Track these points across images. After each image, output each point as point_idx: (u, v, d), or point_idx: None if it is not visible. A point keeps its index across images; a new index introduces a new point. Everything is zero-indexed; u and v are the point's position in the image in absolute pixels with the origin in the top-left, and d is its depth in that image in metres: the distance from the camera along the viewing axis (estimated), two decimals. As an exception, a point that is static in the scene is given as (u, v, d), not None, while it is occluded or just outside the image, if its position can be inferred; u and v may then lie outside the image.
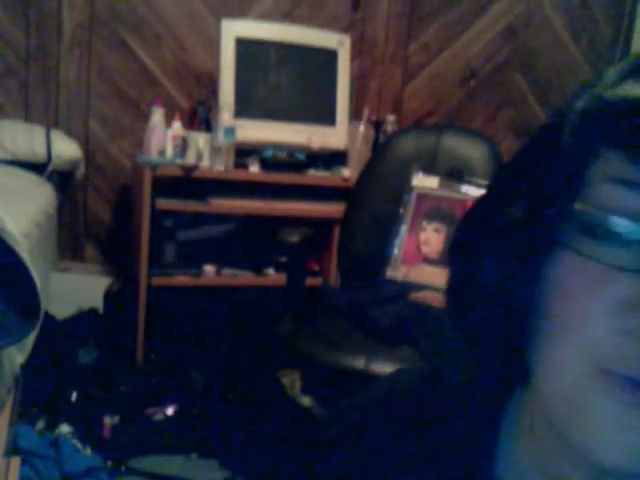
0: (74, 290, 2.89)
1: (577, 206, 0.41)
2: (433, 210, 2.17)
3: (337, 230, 2.49)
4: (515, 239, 0.43)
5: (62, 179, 2.80)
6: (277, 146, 2.74)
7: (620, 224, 0.39)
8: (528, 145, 0.48)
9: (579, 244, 0.40)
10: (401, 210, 2.19)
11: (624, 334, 0.37)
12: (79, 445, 2.00)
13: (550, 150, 0.45)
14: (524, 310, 0.43)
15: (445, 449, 0.51)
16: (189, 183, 2.63)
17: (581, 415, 0.39)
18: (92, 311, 2.91)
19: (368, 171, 2.30)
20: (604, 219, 0.39)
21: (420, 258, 2.15)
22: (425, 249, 2.16)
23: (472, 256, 0.46)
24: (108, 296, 2.89)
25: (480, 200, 0.50)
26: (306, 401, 2.27)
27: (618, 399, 0.37)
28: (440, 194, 2.17)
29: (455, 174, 2.17)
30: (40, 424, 2.11)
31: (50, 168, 2.64)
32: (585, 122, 0.43)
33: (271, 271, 2.82)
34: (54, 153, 2.65)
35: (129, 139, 3.03)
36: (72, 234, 3.07)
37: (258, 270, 2.82)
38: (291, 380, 2.37)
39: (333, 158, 2.86)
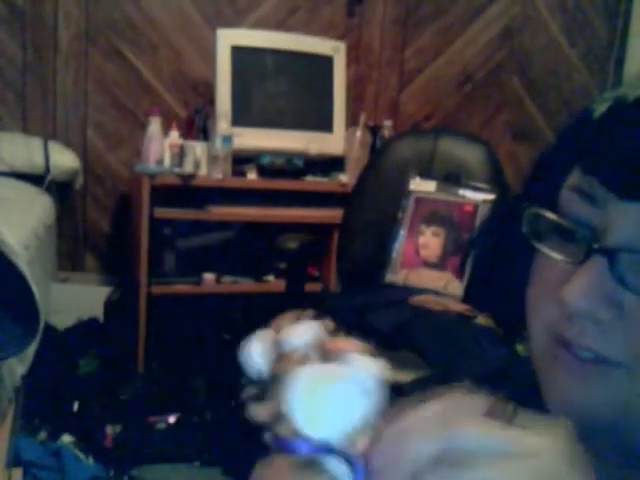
0: (74, 300, 2.89)
1: (541, 211, 0.49)
2: (431, 214, 2.17)
3: (336, 235, 2.49)
4: (514, 241, 0.52)
5: (61, 190, 2.80)
6: (275, 153, 2.74)
7: (567, 225, 0.47)
8: (535, 162, 0.57)
9: (545, 244, 0.48)
10: (399, 214, 2.19)
11: (560, 307, 0.45)
12: (81, 455, 2.00)
13: (544, 166, 0.55)
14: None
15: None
16: (187, 191, 2.64)
17: (543, 375, 0.48)
18: (92, 321, 2.91)
19: (366, 176, 2.31)
20: (556, 221, 0.48)
21: (419, 262, 2.16)
22: (424, 253, 2.16)
23: (486, 259, 0.61)
24: (108, 306, 2.89)
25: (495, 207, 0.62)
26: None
27: (565, 368, 0.46)
28: (438, 198, 2.17)
29: (452, 178, 2.17)
30: (42, 435, 2.11)
31: (48, 179, 2.64)
32: (567, 138, 0.53)
33: (271, 278, 2.82)
34: (52, 164, 2.65)
35: (127, 149, 3.03)
36: (71, 244, 3.07)
37: (258, 277, 2.82)
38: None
39: (331, 164, 2.87)
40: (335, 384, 0.34)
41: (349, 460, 0.34)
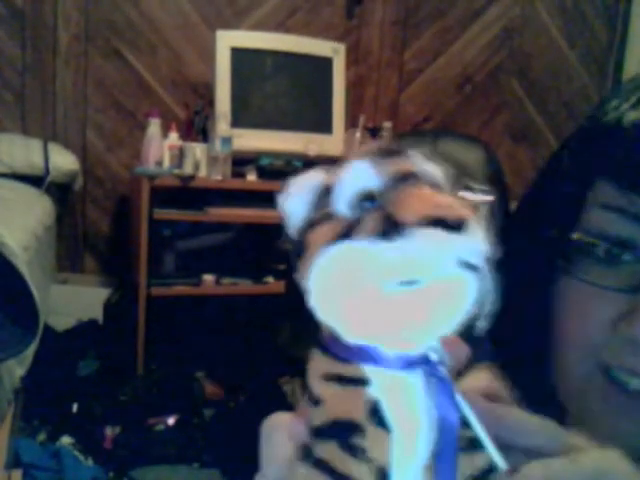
0: (74, 302, 2.89)
1: (573, 234, 0.44)
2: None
3: (335, 237, 2.48)
4: (524, 265, 0.47)
5: (60, 191, 2.80)
6: (274, 154, 2.74)
7: (607, 249, 0.43)
8: (538, 174, 0.53)
9: (575, 268, 0.44)
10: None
11: (619, 341, 0.42)
12: (81, 456, 2.00)
13: (552, 178, 0.50)
14: (541, 327, 0.47)
15: None
16: (187, 193, 2.64)
17: (584, 412, 0.44)
18: (92, 322, 2.91)
19: (365, 178, 2.31)
20: (593, 245, 0.43)
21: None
22: (423, 255, 2.16)
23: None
24: (108, 307, 2.89)
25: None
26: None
27: (612, 402, 0.42)
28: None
29: (452, 179, 2.17)
30: (41, 436, 2.11)
31: (48, 181, 2.64)
32: (582, 148, 0.48)
33: (270, 279, 2.82)
34: (52, 166, 2.65)
35: (126, 150, 3.03)
36: (71, 246, 3.07)
37: (257, 278, 2.82)
38: (292, 388, 2.37)
39: (330, 165, 2.86)
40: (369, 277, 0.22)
41: (417, 371, 0.24)
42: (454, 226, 0.22)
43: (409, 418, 0.24)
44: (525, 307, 0.43)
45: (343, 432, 0.23)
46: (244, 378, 2.72)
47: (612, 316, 0.42)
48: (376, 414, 0.23)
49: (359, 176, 0.25)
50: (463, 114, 3.43)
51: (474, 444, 0.24)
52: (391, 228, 0.22)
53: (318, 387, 0.25)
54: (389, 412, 0.23)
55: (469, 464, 0.24)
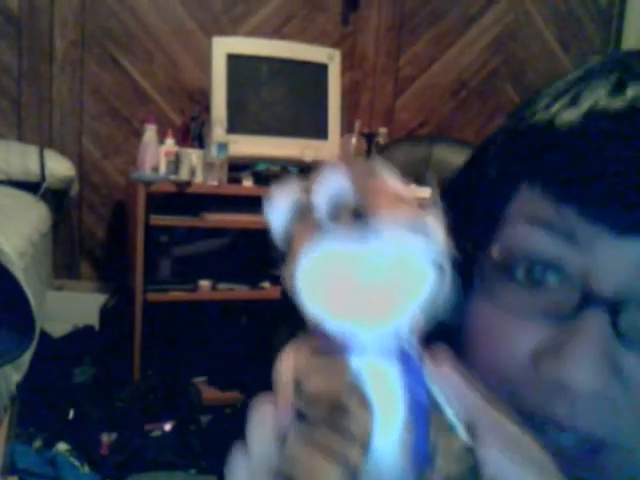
0: (70, 308, 2.89)
1: (490, 250, 0.39)
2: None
3: (331, 242, 2.49)
4: None
5: (56, 198, 2.80)
6: (270, 160, 2.75)
7: (529, 269, 0.37)
8: (456, 176, 0.46)
9: (492, 289, 0.38)
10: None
11: (542, 383, 0.36)
12: (77, 463, 1.99)
13: (474, 184, 0.43)
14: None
15: None
16: (183, 199, 2.64)
17: None
18: (88, 328, 2.90)
19: (361, 183, 2.31)
20: (513, 264, 0.38)
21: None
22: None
23: None
24: (104, 313, 2.89)
25: None
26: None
27: None
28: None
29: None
30: (37, 443, 2.11)
31: (44, 187, 2.64)
32: (506, 152, 0.41)
33: (267, 284, 2.82)
34: (48, 172, 2.65)
35: (122, 156, 3.04)
36: (67, 252, 3.07)
37: (253, 284, 2.82)
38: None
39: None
40: (354, 267, 0.26)
41: (393, 355, 0.27)
42: (421, 228, 0.26)
43: (388, 398, 0.27)
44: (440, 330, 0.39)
45: (331, 414, 0.26)
46: (241, 384, 2.72)
47: (532, 349, 0.36)
48: (357, 394, 0.27)
49: (333, 181, 0.28)
50: (458, 120, 3.45)
51: (437, 409, 0.28)
52: (364, 228, 0.26)
53: (305, 368, 0.28)
54: (371, 394, 0.27)
55: (434, 426, 0.27)
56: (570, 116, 0.37)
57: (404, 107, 3.39)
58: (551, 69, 3.51)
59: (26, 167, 2.64)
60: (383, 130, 3.04)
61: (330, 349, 0.28)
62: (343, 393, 0.26)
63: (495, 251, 0.38)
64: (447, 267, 0.27)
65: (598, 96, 0.37)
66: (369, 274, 0.26)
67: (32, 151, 2.69)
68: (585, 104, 0.37)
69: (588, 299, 0.34)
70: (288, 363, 0.30)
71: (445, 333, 0.31)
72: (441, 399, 0.28)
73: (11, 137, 2.90)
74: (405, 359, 0.27)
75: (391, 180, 0.29)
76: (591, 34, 3.57)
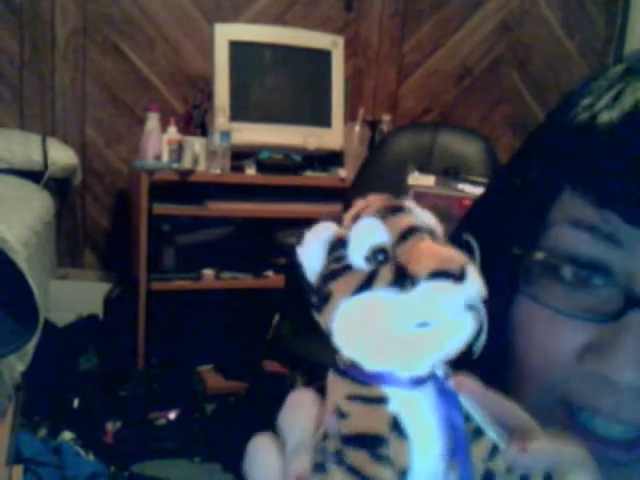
0: (74, 297, 2.89)
1: (536, 253, 0.39)
2: (430, 208, 2.16)
3: (335, 230, 2.48)
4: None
5: (59, 186, 2.80)
6: (273, 148, 2.74)
7: (575, 271, 0.38)
8: (499, 175, 0.47)
9: (538, 291, 0.39)
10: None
11: (584, 376, 0.38)
12: (82, 451, 2.00)
13: (513, 186, 0.44)
14: (499, 353, 0.43)
15: None
16: (186, 187, 2.64)
17: None
18: (92, 317, 2.91)
19: (365, 171, 2.30)
20: (559, 266, 0.39)
21: (418, 257, 2.15)
22: (423, 248, 2.15)
23: None
24: (108, 302, 2.89)
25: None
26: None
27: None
28: (437, 192, 2.17)
29: (451, 172, 2.17)
30: (42, 431, 2.11)
31: (47, 176, 2.64)
32: (551, 151, 0.41)
33: (270, 273, 2.82)
34: (50, 161, 2.65)
35: (125, 145, 3.03)
36: (70, 241, 3.07)
37: (257, 272, 2.82)
38: (293, 382, 2.37)
39: (329, 159, 2.86)
40: (389, 321, 0.27)
41: (427, 388, 0.29)
42: (457, 276, 0.27)
43: (424, 427, 0.28)
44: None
45: (370, 444, 0.28)
46: (244, 372, 2.72)
47: (577, 347, 0.38)
48: (396, 426, 0.28)
49: (370, 232, 0.29)
50: (462, 106, 3.43)
51: (479, 432, 0.29)
52: (405, 280, 0.27)
53: (344, 405, 0.29)
54: (407, 424, 0.28)
55: (478, 450, 0.29)
56: (611, 116, 0.37)
57: (408, 94, 3.37)
58: (556, 55, 3.49)
59: (29, 156, 2.63)
60: (387, 117, 3.02)
61: (366, 381, 0.29)
62: (382, 426, 0.28)
63: (541, 253, 0.39)
64: (482, 310, 0.28)
65: (639, 95, 0.37)
66: (405, 322, 0.27)
67: (35, 140, 2.68)
68: (626, 104, 0.37)
69: (632, 300, 0.35)
70: (329, 381, 0.31)
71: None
72: (481, 421, 0.29)
73: (13, 126, 2.90)
74: (439, 388, 0.29)
75: (424, 217, 0.30)
76: (596, 20, 3.54)
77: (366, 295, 0.28)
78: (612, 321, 0.36)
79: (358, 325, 0.28)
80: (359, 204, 0.30)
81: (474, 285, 0.27)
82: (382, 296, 0.27)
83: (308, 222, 0.32)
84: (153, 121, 2.63)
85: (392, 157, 2.26)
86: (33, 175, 2.61)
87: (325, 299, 0.29)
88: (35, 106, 2.94)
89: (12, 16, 2.84)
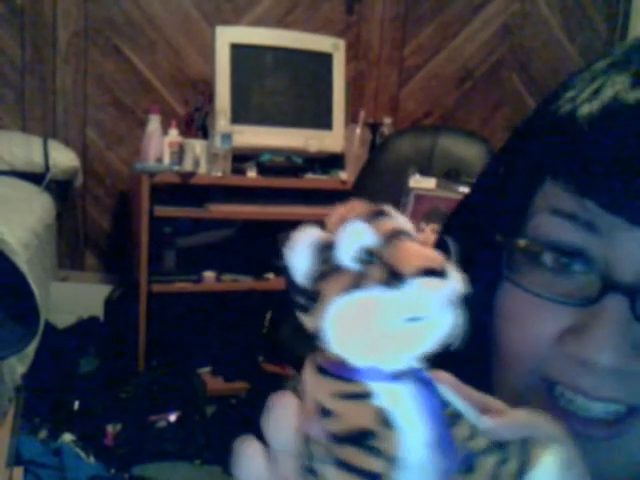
0: (74, 299, 2.89)
1: (518, 240, 0.41)
2: (431, 211, 2.17)
3: (336, 233, 2.48)
4: (467, 268, 0.42)
5: (60, 188, 2.80)
6: (274, 151, 2.74)
7: (555, 257, 0.40)
8: (486, 168, 0.49)
9: (520, 277, 0.41)
10: (399, 211, 2.18)
11: (565, 358, 0.39)
12: (82, 454, 2.00)
13: (497, 178, 0.46)
14: (483, 339, 0.44)
15: None
16: (187, 190, 2.64)
17: None
18: (93, 319, 2.91)
19: (365, 173, 2.30)
20: (541, 253, 0.40)
21: (419, 259, 2.15)
22: (424, 250, 2.15)
23: None
24: (108, 304, 2.89)
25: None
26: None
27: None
28: (437, 195, 2.17)
29: (452, 175, 2.17)
30: (42, 433, 2.11)
31: (48, 178, 2.64)
32: (531, 145, 0.43)
33: (271, 275, 2.82)
34: (52, 163, 2.65)
35: (126, 147, 3.03)
36: (71, 243, 3.07)
37: (258, 275, 2.82)
38: (294, 384, 2.37)
39: (330, 161, 2.86)
40: (382, 318, 0.29)
41: (410, 381, 0.30)
42: (441, 273, 0.29)
43: (409, 417, 0.30)
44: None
45: (360, 438, 0.29)
46: (245, 374, 2.72)
47: (558, 330, 0.39)
48: (383, 419, 0.29)
49: (358, 234, 0.30)
50: (463, 110, 3.43)
51: (457, 416, 0.31)
52: (394, 278, 0.29)
53: (329, 403, 0.30)
54: (393, 415, 0.29)
55: (459, 432, 0.31)
56: (590, 109, 0.38)
57: (409, 97, 3.37)
58: (557, 58, 3.49)
59: (30, 158, 2.63)
60: (388, 120, 3.02)
61: (350, 377, 0.30)
62: (370, 420, 0.29)
63: (523, 241, 0.41)
64: (462, 307, 0.30)
65: (618, 88, 0.38)
66: (396, 317, 0.29)
67: (36, 142, 2.68)
68: (605, 96, 0.38)
69: (609, 285, 0.37)
70: (307, 380, 0.32)
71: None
72: (459, 405, 0.31)
73: (15, 128, 2.90)
74: (417, 378, 0.30)
75: (402, 221, 0.32)
76: (597, 24, 3.55)
77: (357, 293, 0.29)
78: (590, 305, 0.38)
79: (350, 322, 0.29)
80: (340, 210, 0.32)
81: (456, 282, 0.29)
82: (373, 294, 0.29)
83: (309, 225, 0.33)
84: (154, 123, 2.63)
85: (393, 160, 2.26)
86: (34, 177, 2.61)
87: (315, 298, 0.30)
88: (36, 108, 2.94)
89: (13, 18, 2.85)
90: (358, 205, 0.31)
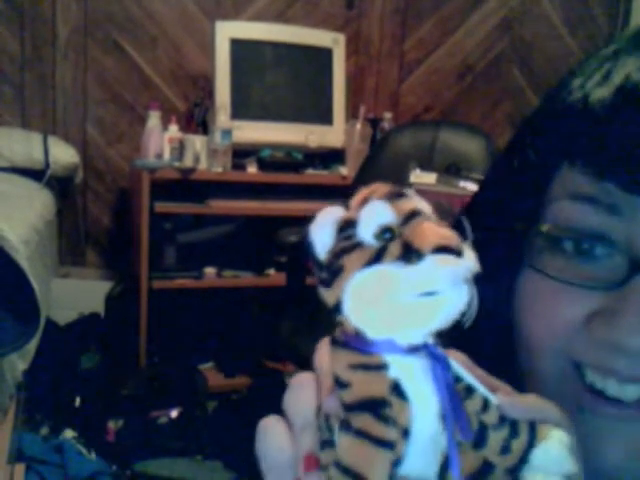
0: (75, 295, 2.89)
1: (539, 227, 0.41)
2: (432, 206, 2.16)
3: (336, 228, 2.48)
4: (486, 259, 0.42)
5: (61, 185, 2.80)
6: (274, 146, 2.73)
7: (578, 242, 0.40)
8: (497, 161, 0.49)
9: (542, 263, 0.41)
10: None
11: (593, 342, 0.39)
12: (83, 450, 2.00)
13: (513, 166, 0.46)
14: (507, 326, 0.44)
15: None
16: (187, 185, 2.63)
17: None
18: (94, 316, 2.91)
19: (366, 169, 2.30)
20: (562, 238, 0.40)
21: (420, 255, 2.14)
22: (425, 245, 2.15)
23: None
24: (109, 300, 2.89)
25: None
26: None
27: (589, 412, 0.39)
28: (438, 190, 2.16)
29: (453, 170, 2.17)
30: (44, 430, 2.12)
31: (48, 174, 2.64)
32: (546, 132, 0.43)
33: (272, 271, 2.82)
34: (52, 159, 2.65)
35: (126, 143, 3.03)
36: (72, 239, 3.07)
37: (259, 271, 2.82)
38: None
39: (331, 157, 2.86)
40: (400, 293, 0.30)
41: (424, 355, 0.32)
42: (456, 251, 0.30)
43: (421, 390, 0.31)
44: (486, 305, 0.38)
45: (374, 407, 0.30)
46: (246, 370, 2.72)
47: (584, 315, 0.39)
48: (396, 390, 0.31)
49: (379, 213, 0.32)
50: (464, 104, 3.42)
51: (470, 390, 0.33)
52: (411, 254, 0.30)
53: (345, 374, 0.31)
54: (406, 387, 0.31)
55: (471, 405, 0.33)
56: (603, 93, 0.38)
57: (409, 91, 3.36)
58: (558, 52, 3.48)
59: (30, 154, 2.63)
60: (388, 115, 3.02)
61: (367, 350, 0.32)
62: (383, 390, 0.31)
63: (543, 227, 0.41)
64: (474, 282, 0.31)
65: (629, 71, 0.38)
66: (413, 291, 0.30)
67: (36, 138, 2.68)
68: (616, 80, 0.39)
69: (635, 265, 0.37)
70: (323, 355, 0.33)
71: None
72: (470, 380, 0.33)
73: (15, 124, 2.90)
74: (431, 353, 0.32)
75: (422, 204, 0.33)
76: (598, 17, 3.53)
77: (377, 268, 0.31)
78: (617, 288, 0.37)
79: (370, 295, 0.31)
80: (364, 191, 0.33)
81: (470, 260, 0.31)
82: (392, 268, 0.31)
83: (310, 220, 0.34)
84: (154, 119, 2.63)
85: (393, 155, 2.26)
86: (34, 173, 2.61)
87: (337, 273, 0.32)
88: (36, 104, 2.94)
89: (13, 14, 2.84)
90: (380, 186, 0.33)
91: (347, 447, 0.30)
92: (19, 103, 2.92)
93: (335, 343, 0.33)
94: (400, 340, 0.31)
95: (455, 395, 0.32)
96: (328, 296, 0.33)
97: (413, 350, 0.32)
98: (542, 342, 0.42)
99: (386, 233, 0.31)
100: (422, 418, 0.31)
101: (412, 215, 0.32)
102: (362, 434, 0.30)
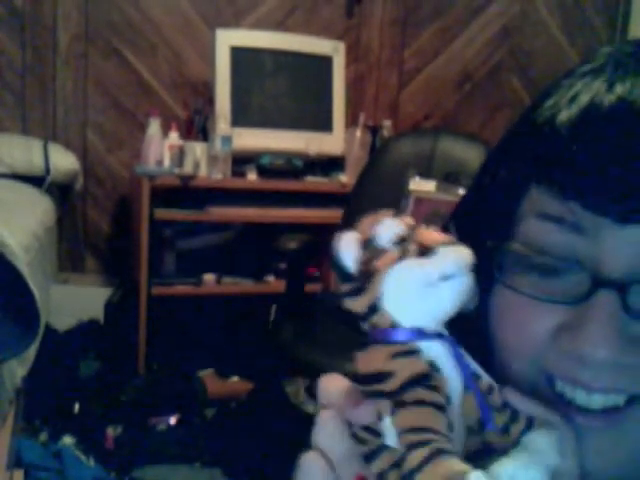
0: (75, 302, 2.89)
1: (509, 245, 0.43)
2: (431, 214, 2.17)
3: (336, 236, 2.48)
4: None
5: (61, 191, 2.80)
6: (274, 153, 2.74)
7: (545, 260, 0.41)
8: (476, 177, 0.51)
9: (512, 280, 0.43)
10: (400, 214, 2.18)
11: (561, 354, 0.41)
12: (82, 456, 2.00)
13: (487, 185, 0.49)
14: (485, 339, 0.47)
15: None
16: (187, 192, 2.64)
17: None
18: (93, 322, 2.91)
19: (365, 176, 2.31)
20: (530, 256, 0.42)
21: (419, 262, 2.15)
22: (424, 253, 2.15)
23: None
24: (109, 307, 2.89)
25: None
26: (311, 408, 2.27)
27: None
28: (437, 197, 2.17)
29: (452, 177, 2.17)
30: (43, 436, 2.11)
31: (48, 181, 2.64)
32: (516, 152, 0.46)
33: (271, 278, 2.82)
34: (52, 166, 2.65)
35: (127, 150, 3.03)
36: (71, 246, 3.07)
37: (258, 277, 2.82)
38: (295, 389, 2.37)
39: (330, 164, 2.86)
40: (430, 277, 0.37)
41: (445, 340, 0.38)
42: (456, 248, 0.38)
43: (447, 368, 0.38)
44: (464, 318, 0.41)
45: (423, 380, 0.37)
46: (246, 378, 2.72)
47: (552, 328, 0.41)
48: (433, 367, 0.37)
49: (393, 226, 0.39)
50: (463, 112, 3.43)
51: (477, 376, 0.39)
52: (426, 251, 0.38)
53: (388, 365, 0.38)
54: (439, 364, 0.38)
55: (480, 388, 0.39)
56: (569, 114, 0.40)
57: (409, 100, 3.38)
58: (556, 60, 3.49)
59: (30, 161, 2.64)
60: (388, 123, 3.03)
61: (402, 340, 0.38)
62: (425, 367, 0.37)
63: (513, 245, 0.43)
64: (473, 272, 0.38)
65: (594, 93, 0.40)
66: (434, 277, 0.37)
67: (36, 145, 2.69)
68: (582, 102, 0.40)
69: (599, 282, 0.39)
70: (329, 384, 0.40)
71: (465, 320, 0.40)
72: (477, 368, 0.40)
73: (15, 131, 2.90)
74: (449, 341, 0.39)
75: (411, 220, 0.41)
76: (597, 26, 3.55)
77: (405, 261, 0.38)
78: (582, 302, 0.39)
79: (402, 285, 0.38)
80: (371, 217, 0.40)
81: (469, 250, 0.38)
82: (414, 262, 0.38)
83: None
84: (154, 126, 2.64)
85: (393, 162, 2.27)
86: (35, 180, 2.61)
87: (370, 276, 0.38)
88: (37, 111, 2.94)
89: (14, 21, 2.85)
90: (381, 214, 0.40)
91: (408, 415, 0.36)
92: (20, 109, 2.93)
93: (368, 344, 0.39)
94: (428, 326, 0.38)
95: (471, 374, 0.38)
96: (359, 303, 0.39)
97: (437, 336, 0.38)
98: (515, 354, 0.44)
99: (402, 239, 0.39)
100: (453, 388, 0.37)
101: (415, 226, 0.40)
102: (419, 403, 0.36)
